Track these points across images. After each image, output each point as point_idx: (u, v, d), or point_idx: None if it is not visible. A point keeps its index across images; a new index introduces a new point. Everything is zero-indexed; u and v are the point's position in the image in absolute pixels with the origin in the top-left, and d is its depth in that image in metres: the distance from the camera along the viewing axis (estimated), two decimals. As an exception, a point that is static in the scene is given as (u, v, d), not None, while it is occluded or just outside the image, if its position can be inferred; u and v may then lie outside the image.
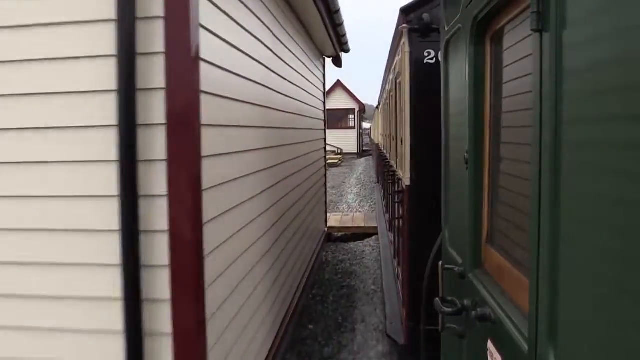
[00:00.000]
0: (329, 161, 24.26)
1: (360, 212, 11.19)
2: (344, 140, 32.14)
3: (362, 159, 29.68)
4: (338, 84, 33.65)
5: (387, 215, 7.09)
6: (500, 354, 1.28)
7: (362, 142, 34.95)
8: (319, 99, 7.94)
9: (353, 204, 12.94)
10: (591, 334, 0.80)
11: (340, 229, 8.97)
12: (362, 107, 34.06)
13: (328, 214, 8.97)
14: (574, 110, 0.86)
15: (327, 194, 9.05)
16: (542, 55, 0.96)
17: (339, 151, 31.13)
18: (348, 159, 30.03)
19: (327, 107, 34.22)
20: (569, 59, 0.87)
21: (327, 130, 34.84)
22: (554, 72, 0.90)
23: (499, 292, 1.35)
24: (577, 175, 0.85)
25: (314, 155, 6.91)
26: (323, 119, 8.61)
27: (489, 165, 1.51)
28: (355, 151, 32.80)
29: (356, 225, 9.03)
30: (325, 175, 8.72)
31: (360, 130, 34.49)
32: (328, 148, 29.67)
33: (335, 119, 32.75)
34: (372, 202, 12.68)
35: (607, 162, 0.74)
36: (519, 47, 1.24)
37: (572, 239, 0.88)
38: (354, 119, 33.90)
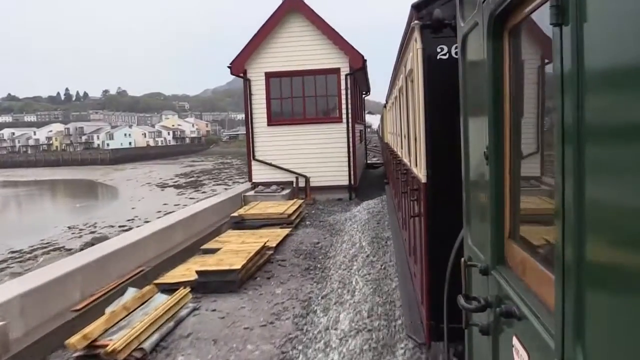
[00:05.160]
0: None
1: None
2: (315, 153, 12.53)
3: (363, 207, 10.91)
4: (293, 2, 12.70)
5: (400, 214, 7.05)
6: (526, 351, 1.27)
7: (364, 145, 15.96)
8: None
9: None
10: (619, 332, 0.79)
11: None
12: (361, 65, 12.88)
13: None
14: (595, 104, 0.86)
15: None
16: (562, 49, 0.95)
17: (299, 184, 12.47)
18: (327, 208, 11.50)
19: (264, 69, 11.92)
20: (589, 52, 0.86)
21: (268, 129, 11.82)
22: (575, 66, 0.90)
23: (523, 288, 1.34)
24: (600, 168, 0.85)
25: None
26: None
27: (509, 161, 1.50)
28: (345, 182, 12.63)
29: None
30: None
31: (357, 123, 14.57)
32: (270, 178, 10.86)
33: (290, 100, 12.89)
34: None
35: (630, 156, 0.73)
36: (538, 41, 1.23)
37: (598, 233, 0.87)
38: (342, 95, 12.60)
